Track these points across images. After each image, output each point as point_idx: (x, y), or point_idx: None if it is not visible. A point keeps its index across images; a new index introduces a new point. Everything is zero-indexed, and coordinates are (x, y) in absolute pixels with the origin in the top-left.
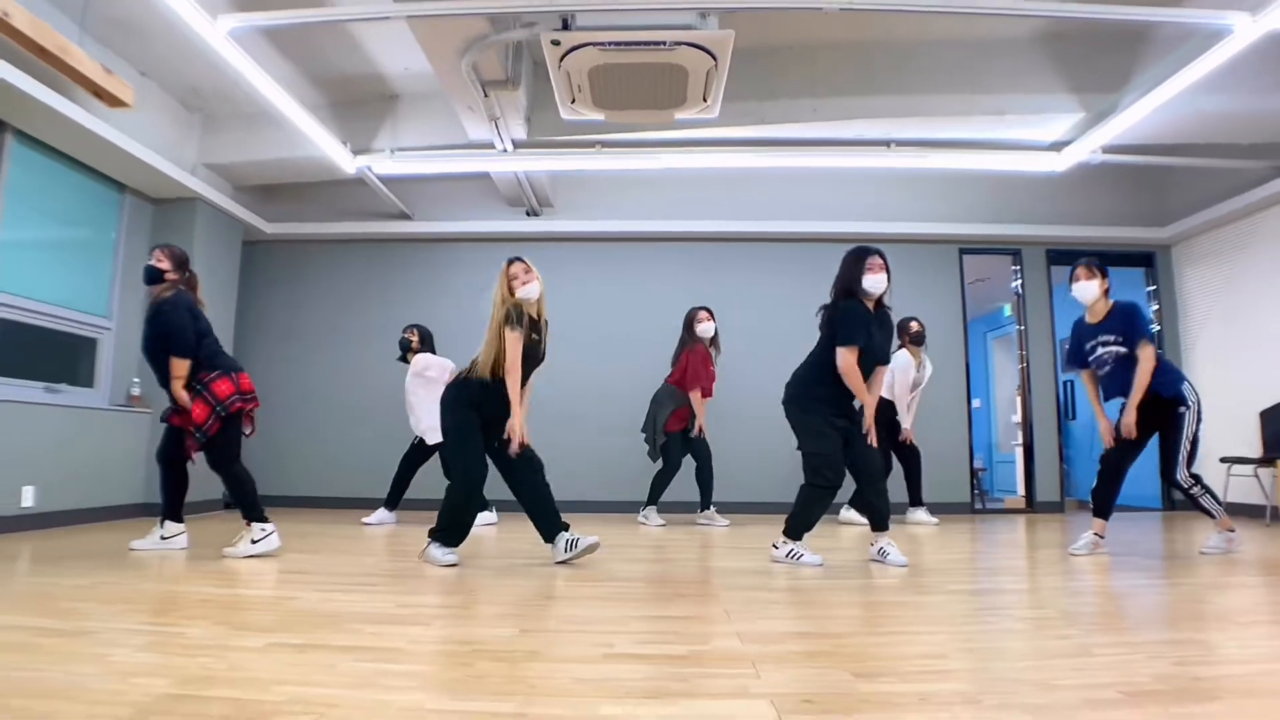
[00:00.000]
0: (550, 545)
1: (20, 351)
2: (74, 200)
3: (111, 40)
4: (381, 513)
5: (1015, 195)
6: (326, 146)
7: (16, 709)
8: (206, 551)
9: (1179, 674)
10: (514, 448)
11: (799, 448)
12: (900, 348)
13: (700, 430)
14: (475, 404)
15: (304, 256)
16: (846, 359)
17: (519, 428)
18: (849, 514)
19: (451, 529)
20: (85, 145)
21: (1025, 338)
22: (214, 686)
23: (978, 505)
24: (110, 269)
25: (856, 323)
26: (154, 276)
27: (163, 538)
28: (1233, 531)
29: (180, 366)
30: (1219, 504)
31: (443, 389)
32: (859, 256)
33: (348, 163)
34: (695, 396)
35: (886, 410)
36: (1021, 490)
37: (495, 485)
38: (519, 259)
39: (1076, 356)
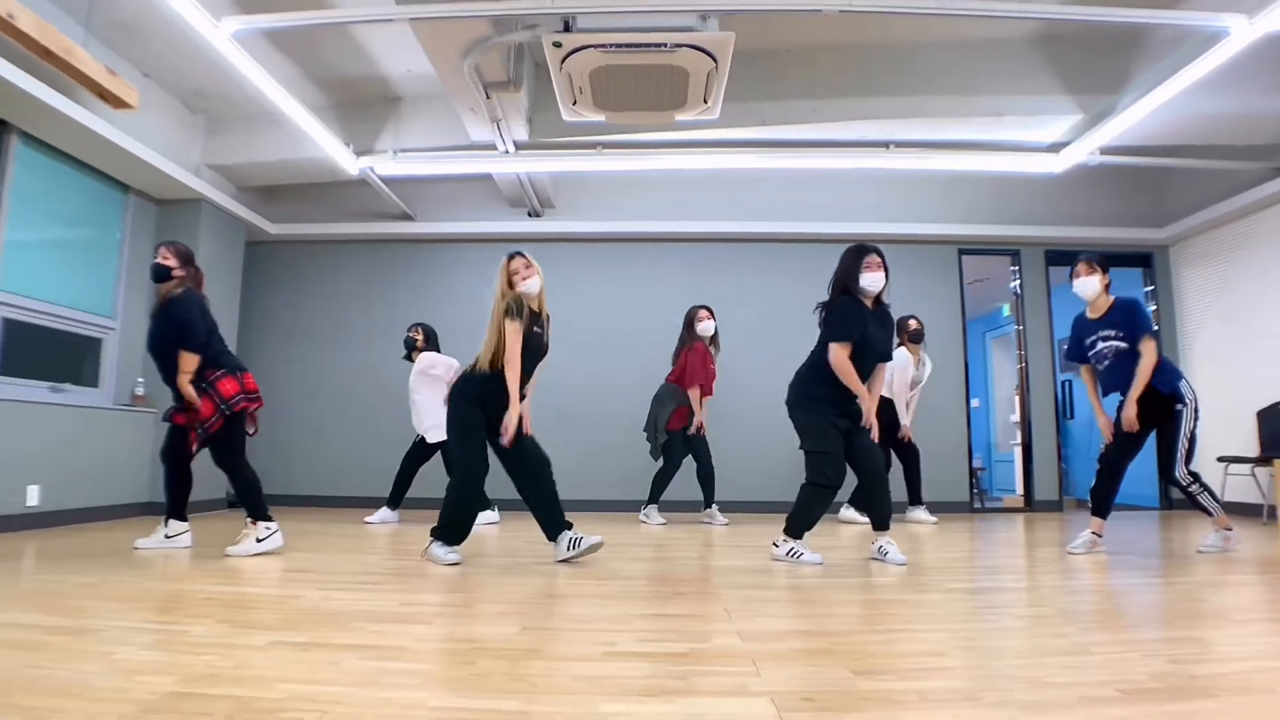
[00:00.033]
0: (553, 543)
1: (25, 351)
2: (79, 201)
3: (116, 42)
4: (384, 512)
5: (1014, 196)
6: (329, 148)
7: (23, 706)
8: (210, 550)
9: (1175, 672)
10: (507, 438)
11: (801, 447)
12: (899, 346)
13: (699, 428)
14: (479, 400)
15: (307, 257)
16: (838, 354)
17: (514, 419)
18: (849, 513)
19: (453, 527)
20: (90, 146)
21: (1024, 338)
22: (218, 684)
23: (976, 504)
24: (115, 269)
25: (848, 319)
26: (161, 274)
27: (167, 536)
28: (1230, 530)
29: (190, 361)
30: (1217, 502)
31: (446, 387)
32: (857, 254)
33: (350, 164)
34: (693, 394)
35: (886, 408)
36: (1020, 489)
37: (498, 484)
38: (519, 254)
39: (1076, 352)
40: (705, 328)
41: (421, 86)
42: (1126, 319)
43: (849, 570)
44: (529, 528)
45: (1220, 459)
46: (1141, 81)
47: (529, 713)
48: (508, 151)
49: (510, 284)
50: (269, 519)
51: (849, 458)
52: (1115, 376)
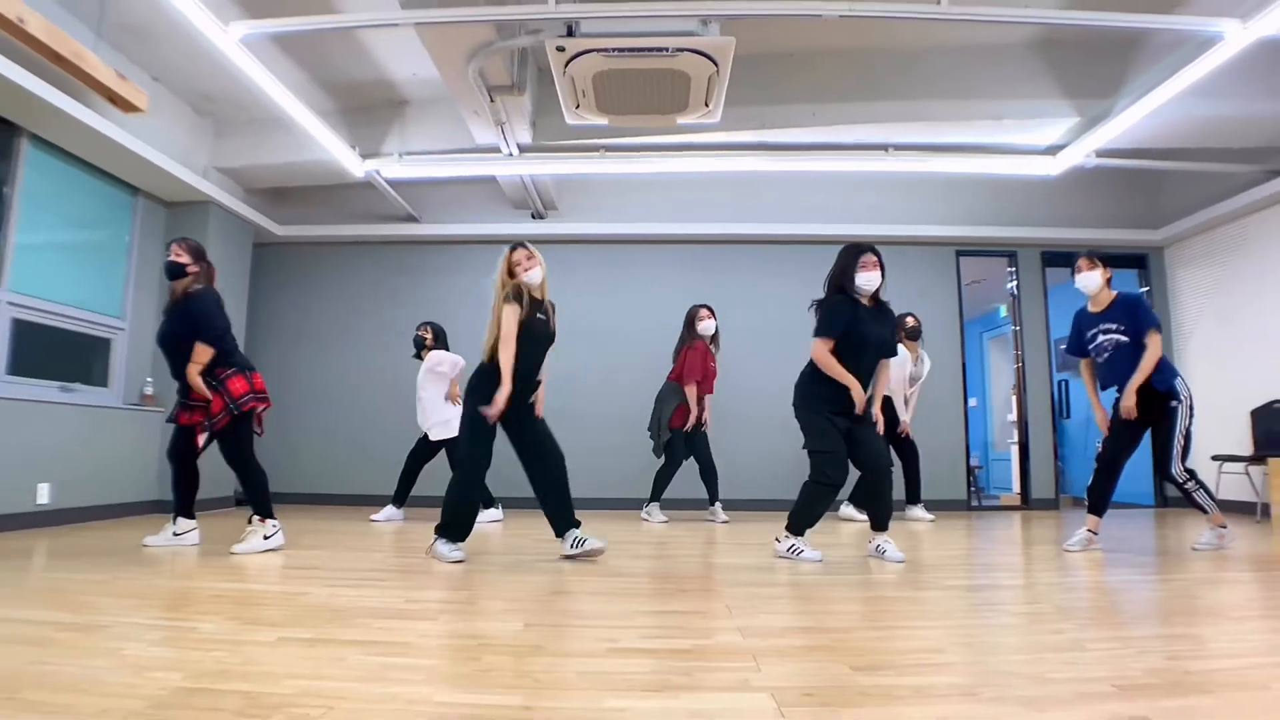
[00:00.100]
0: (560, 539)
1: (36, 351)
2: (89, 203)
3: (125, 46)
4: (389, 510)
5: (1011, 198)
6: (336, 151)
7: (33, 702)
8: (218, 547)
9: (1171, 668)
10: (493, 412)
11: (804, 446)
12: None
13: (696, 424)
14: (490, 395)
15: (314, 258)
16: (817, 349)
17: (503, 398)
18: (848, 510)
19: (454, 524)
20: (99, 149)
21: (1020, 338)
22: (226, 680)
23: (974, 502)
24: (124, 271)
25: (833, 316)
26: (176, 271)
27: (175, 534)
28: (1224, 528)
29: (204, 353)
30: (1212, 500)
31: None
32: (853, 253)
33: (357, 167)
34: (690, 391)
35: (885, 405)
36: (1017, 487)
37: (500, 483)
38: (521, 245)
39: (1076, 346)
40: (706, 327)
41: (426, 90)
42: (1130, 314)
43: (848, 568)
44: (532, 525)
45: (1215, 458)
46: (1137, 85)
47: (533, 708)
48: (511, 154)
49: (511, 274)
50: (273, 517)
51: (852, 456)
52: (1114, 370)
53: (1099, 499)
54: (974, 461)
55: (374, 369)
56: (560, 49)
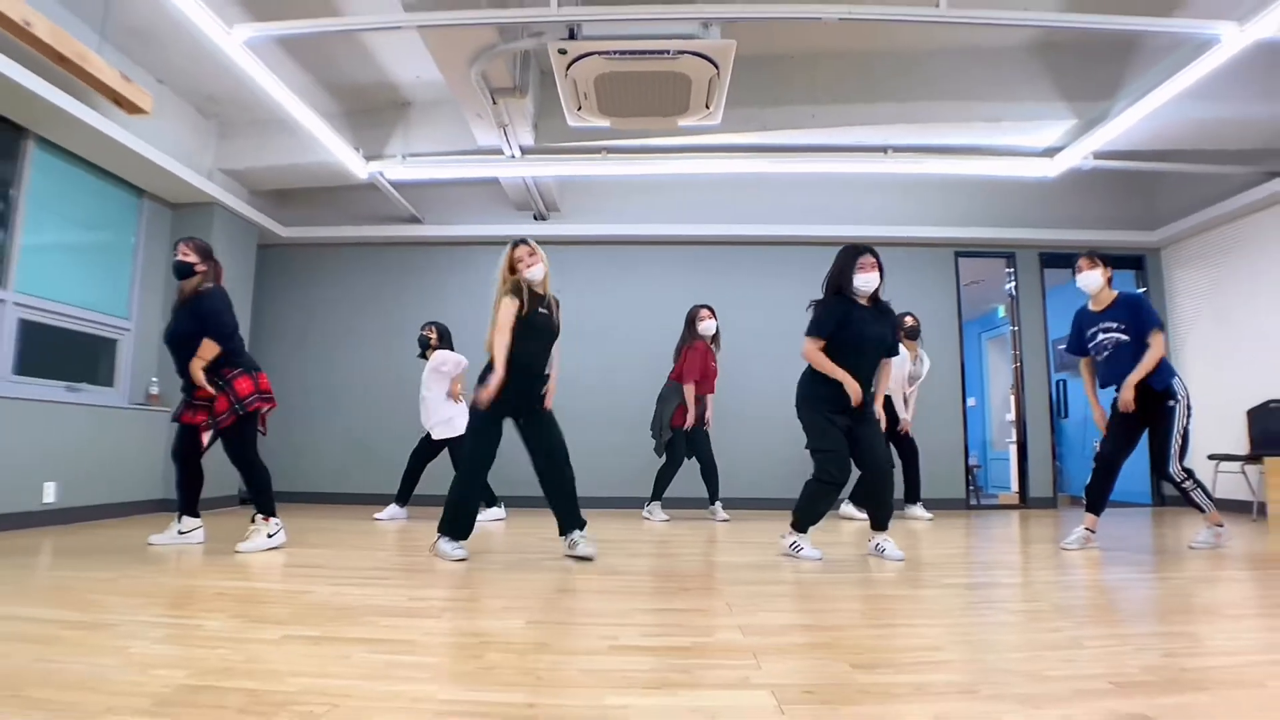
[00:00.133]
0: (563, 537)
1: (42, 352)
2: (94, 205)
3: (130, 48)
4: (393, 508)
5: (1009, 200)
6: (340, 152)
7: (39, 699)
8: (223, 546)
9: (1168, 665)
10: (483, 398)
11: (806, 446)
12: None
13: (694, 423)
14: (511, 395)
15: (318, 259)
16: (806, 347)
17: (494, 387)
18: (848, 509)
19: (455, 521)
20: (105, 151)
21: (1019, 338)
22: (231, 678)
23: (972, 501)
24: (130, 272)
25: (823, 317)
26: (184, 270)
27: (180, 533)
28: (1221, 526)
29: (210, 349)
30: (1210, 499)
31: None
32: (852, 254)
33: (360, 168)
34: (688, 390)
35: (885, 404)
36: (1015, 486)
37: (502, 482)
38: (524, 241)
39: (1076, 344)
40: (706, 327)
41: (430, 93)
42: (1132, 313)
43: (848, 566)
44: (535, 524)
45: (1211, 457)
46: (1135, 88)
47: (536, 705)
48: (514, 156)
49: (512, 269)
50: (276, 516)
51: (854, 455)
52: (1113, 368)
53: (1097, 498)
54: (972, 461)
55: (377, 369)
56: (562, 51)
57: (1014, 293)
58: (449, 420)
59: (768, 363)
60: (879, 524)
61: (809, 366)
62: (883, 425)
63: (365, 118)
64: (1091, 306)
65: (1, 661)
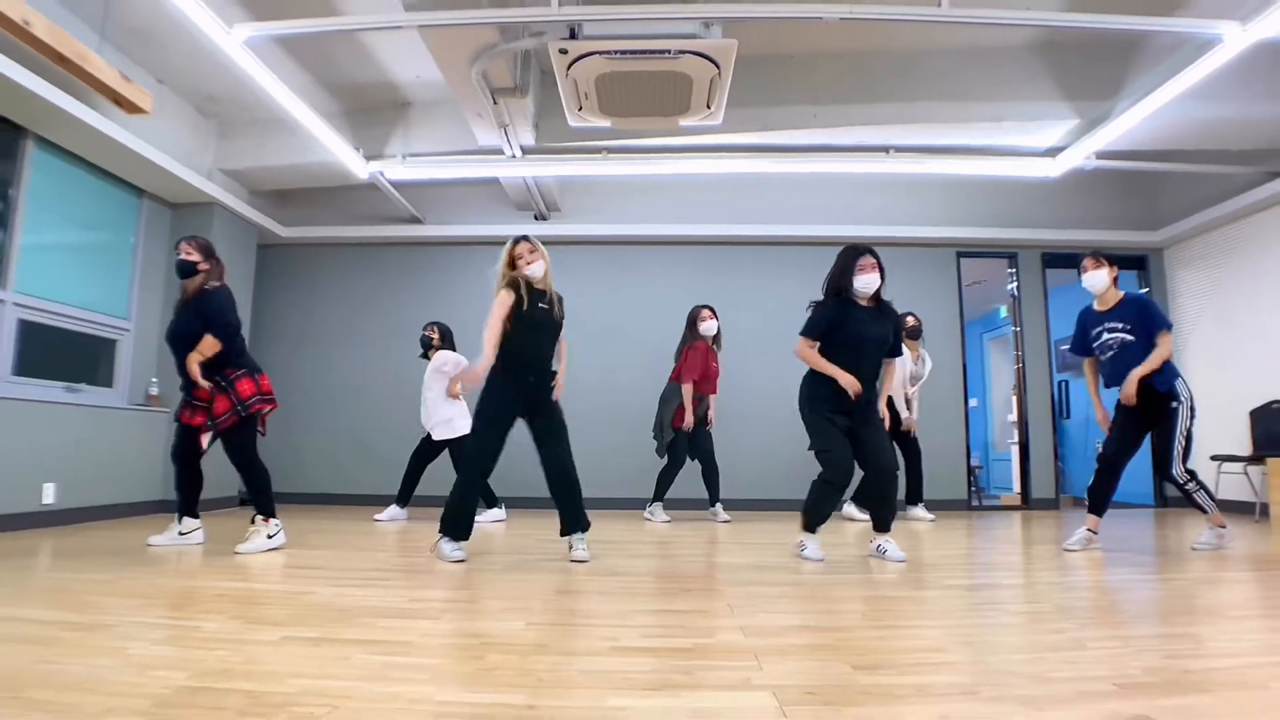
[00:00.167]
0: (564, 538)
1: (41, 352)
2: (94, 205)
3: (130, 48)
4: (393, 509)
5: (1011, 200)
6: (340, 152)
7: (38, 700)
8: (222, 547)
9: (1170, 667)
10: (468, 377)
11: (809, 447)
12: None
13: (701, 423)
14: (496, 388)
15: (318, 260)
16: (798, 346)
17: (482, 370)
18: (850, 509)
19: (454, 521)
20: (104, 151)
21: (1021, 339)
22: (230, 679)
23: (974, 502)
24: (129, 272)
25: (816, 317)
26: (187, 269)
27: (180, 534)
28: (1224, 528)
29: (211, 346)
30: (1212, 500)
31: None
32: (852, 255)
33: (360, 168)
34: (686, 390)
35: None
36: (1017, 487)
37: (503, 483)
38: (525, 238)
39: (1080, 344)
40: (707, 327)
41: (430, 92)
42: (1139, 314)
43: (849, 567)
44: (535, 525)
45: (1214, 458)
46: (1137, 87)
47: (536, 707)
48: (514, 156)
49: (512, 265)
50: (276, 517)
51: (857, 456)
52: (1118, 369)
53: (1099, 499)
54: (974, 461)
55: (377, 370)
56: (563, 51)
57: (1016, 293)
58: (449, 421)
59: (768, 363)
60: (881, 525)
61: (810, 367)
62: (885, 425)
63: (365, 117)
64: (1097, 306)
65: (1, 662)
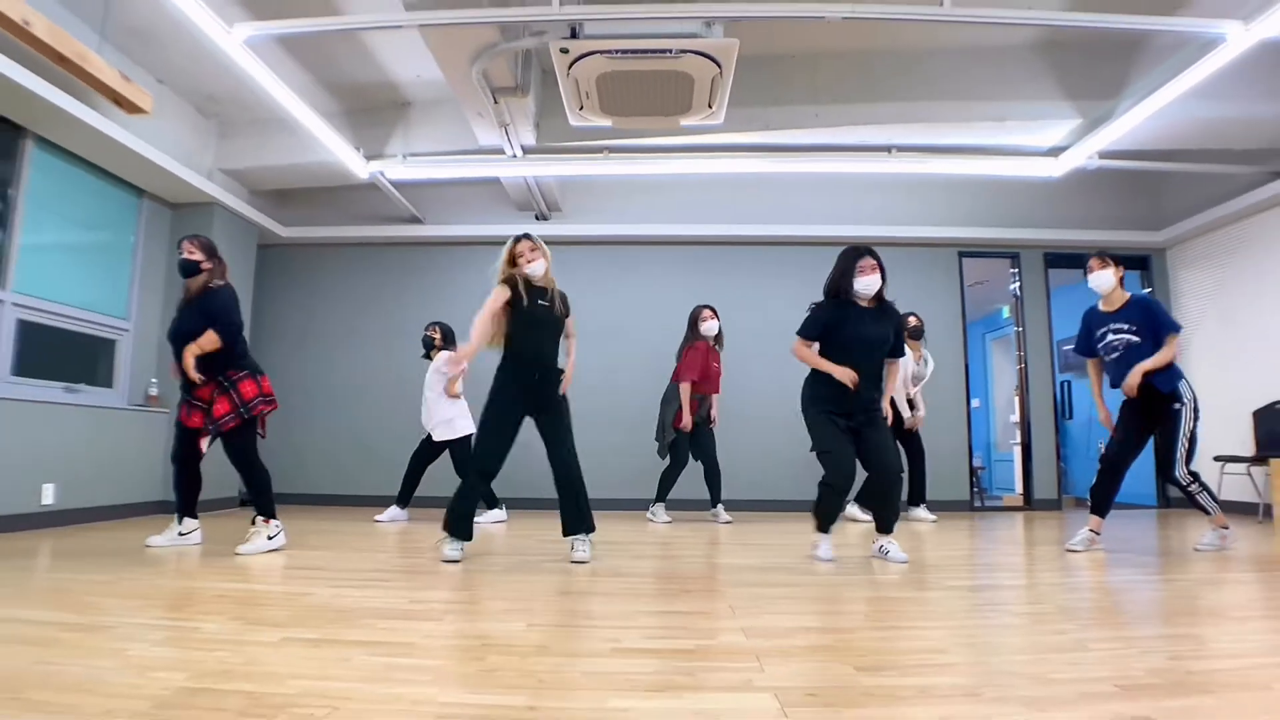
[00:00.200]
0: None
1: (41, 352)
2: (93, 205)
3: (130, 48)
4: (393, 510)
5: (1014, 200)
6: (340, 152)
7: (37, 701)
8: (222, 548)
9: (1173, 668)
10: (453, 357)
11: (811, 448)
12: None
13: (705, 423)
14: (504, 385)
15: (318, 260)
16: (794, 346)
17: (464, 357)
18: (853, 510)
19: (454, 517)
20: (104, 151)
21: (1023, 339)
22: (230, 680)
23: (976, 503)
24: (129, 272)
25: (813, 318)
26: (190, 269)
27: (180, 534)
28: (1227, 529)
29: (212, 342)
30: (1215, 501)
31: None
32: (852, 257)
33: (361, 168)
34: (684, 389)
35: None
36: (1019, 488)
37: (504, 484)
38: (526, 236)
39: (1085, 345)
40: (709, 327)
41: (430, 92)
42: (1146, 316)
43: (851, 568)
44: (536, 526)
45: (1217, 458)
46: (1140, 87)
47: (537, 708)
48: (515, 156)
49: (513, 262)
50: (276, 518)
51: (861, 458)
52: (1123, 370)
53: (1102, 500)
54: (977, 462)
55: (378, 370)
56: (564, 51)
57: (1018, 293)
58: (450, 421)
59: (769, 363)
60: (884, 526)
61: (811, 368)
62: (890, 419)
63: (366, 117)
64: (1102, 307)
65: (0, 664)
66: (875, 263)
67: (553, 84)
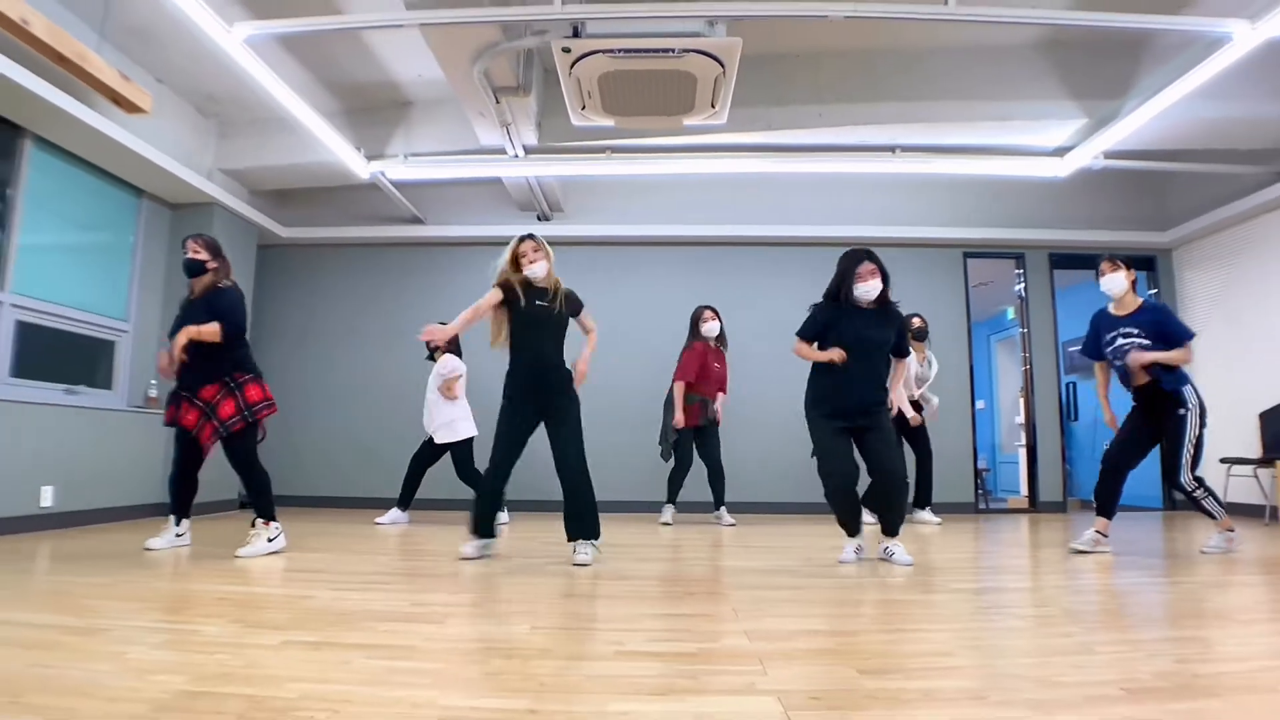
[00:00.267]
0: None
1: (40, 354)
2: (93, 205)
3: (129, 47)
4: (394, 512)
5: (1018, 200)
6: (340, 152)
7: (37, 705)
8: (222, 550)
9: (1180, 671)
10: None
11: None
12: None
13: (686, 424)
14: (513, 390)
15: (318, 260)
16: (795, 345)
17: (444, 334)
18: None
19: (475, 518)
20: (103, 151)
21: (1028, 340)
22: (230, 683)
23: (982, 505)
24: (128, 273)
25: (810, 319)
26: (195, 268)
27: (176, 535)
28: (1233, 531)
29: (213, 333)
30: (1220, 505)
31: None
32: (851, 262)
33: (361, 168)
34: (679, 388)
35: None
36: (1025, 490)
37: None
38: (530, 236)
39: (1093, 348)
40: (710, 328)
41: (432, 91)
42: (1159, 322)
43: (856, 571)
44: (538, 528)
45: (1223, 460)
46: (1145, 86)
47: (539, 712)
48: (517, 156)
49: (516, 262)
50: (276, 520)
51: (865, 458)
52: (1129, 374)
53: (1106, 501)
54: (981, 464)
55: (379, 371)
56: (566, 50)
57: (1023, 294)
58: (451, 423)
59: (771, 364)
60: (889, 529)
61: (811, 369)
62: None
63: (366, 117)
64: (1113, 310)
65: None
66: (875, 267)
67: (555, 83)
